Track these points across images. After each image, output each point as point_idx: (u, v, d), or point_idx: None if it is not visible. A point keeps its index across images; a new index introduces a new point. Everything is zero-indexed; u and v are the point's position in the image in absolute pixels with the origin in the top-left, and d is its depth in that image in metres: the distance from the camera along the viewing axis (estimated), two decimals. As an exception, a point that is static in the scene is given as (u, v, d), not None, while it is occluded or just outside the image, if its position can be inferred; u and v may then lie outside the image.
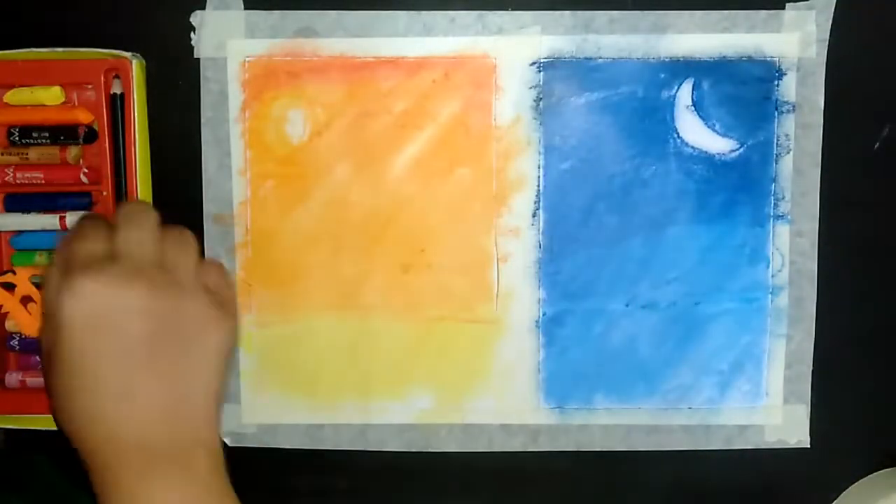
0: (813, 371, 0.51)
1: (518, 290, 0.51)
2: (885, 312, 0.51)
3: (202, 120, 0.50)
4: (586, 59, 0.49)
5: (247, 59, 0.49)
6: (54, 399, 0.39)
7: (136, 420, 0.37)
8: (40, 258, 0.50)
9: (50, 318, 0.38)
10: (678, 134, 0.50)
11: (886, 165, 0.50)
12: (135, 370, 0.38)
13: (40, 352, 0.40)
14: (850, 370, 0.51)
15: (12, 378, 0.51)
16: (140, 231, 0.40)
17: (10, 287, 0.50)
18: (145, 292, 0.38)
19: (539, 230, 0.50)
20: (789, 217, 0.50)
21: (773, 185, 0.50)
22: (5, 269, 0.51)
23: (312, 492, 0.53)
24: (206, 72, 0.49)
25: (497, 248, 0.51)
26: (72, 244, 0.39)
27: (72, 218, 0.46)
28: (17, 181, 0.50)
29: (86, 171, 0.50)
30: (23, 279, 0.50)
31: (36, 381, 0.51)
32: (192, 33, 0.49)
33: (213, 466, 0.39)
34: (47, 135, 0.50)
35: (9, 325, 0.51)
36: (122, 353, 0.37)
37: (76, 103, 0.50)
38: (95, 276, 0.37)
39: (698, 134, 0.50)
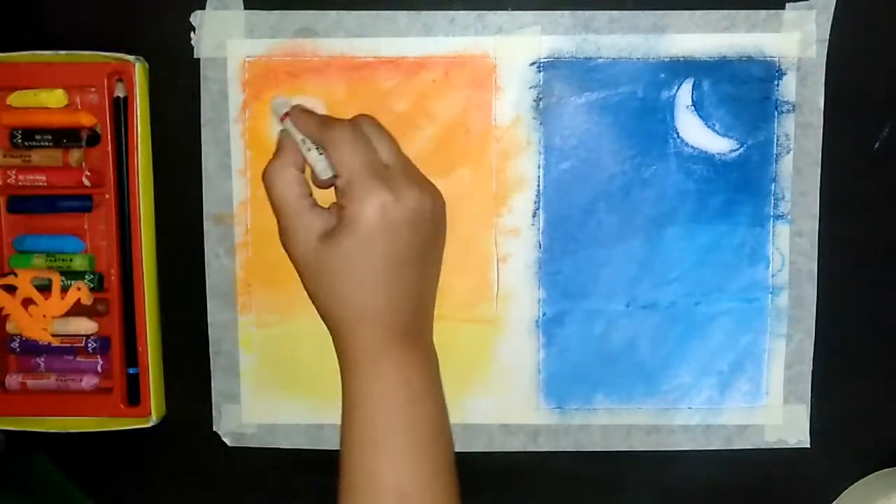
0: (813, 371, 0.51)
1: (518, 290, 0.51)
2: (885, 312, 0.51)
3: (202, 120, 0.50)
4: (586, 59, 0.49)
5: (247, 59, 0.49)
6: (324, 287, 0.44)
7: (397, 307, 0.44)
8: (38, 260, 0.50)
9: (350, 221, 0.43)
10: (678, 134, 0.50)
11: (886, 165, 0.50)
12: (409, 267, 0.44)
13: (294, 253, 0.45)
14: (849, 370, 0.51)
15: (13, 380, 0.51)
16: (389, 142, 0.46)
17: (11, 289, 0.50)
18: (419, 199, 0.44)
19: (539, 230, 0.51)
20: (789, 217, 0.50)
21: (773, 185, 0.50)
22: (6, 271, 0.51)
23: (312, 492, 0.53)
24: (206, 72, 0.50)
25: (497, 247, 0.51)
26: (353, 153, 0.43)
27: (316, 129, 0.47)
28: (20, 183, 0.50)
29: (88, 174, 0.50)
30: (24, 282, 0.50)
31: (36, 382, 0.51)
32: (192, 33, 0.49)
33: (432, 341, 0.47)
34: (50, 137, 0.50)
35: (9, 327, 0.51)
36: (406, 254, 0.44)
37: (79, 106, 0.50)
38: (390, 187, 0.43)
39: (698, 134, 0.50)
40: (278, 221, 0.45)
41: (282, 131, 0.47)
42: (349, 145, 0.44)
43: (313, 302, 0.46)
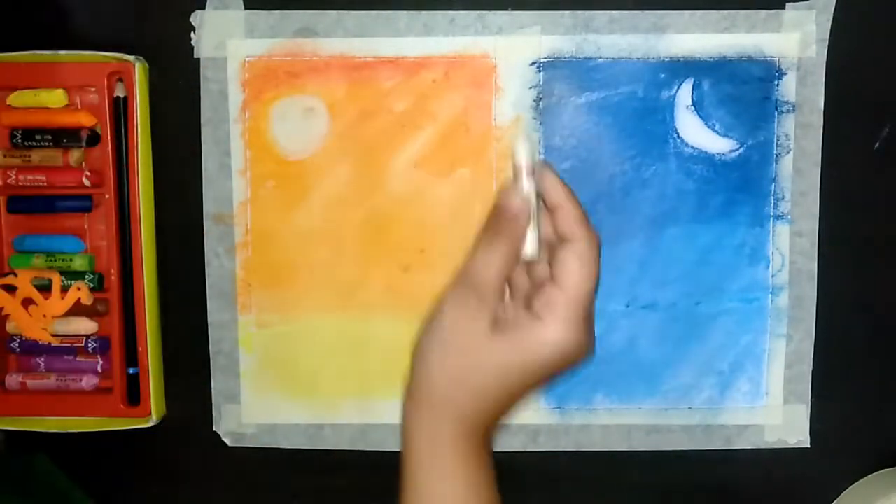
0: (813, 371, 0.51)
1: (518, 291, 0.51)
2: (885, 312, 0.51)
3: (202, 120, 0.50)
4: (586, 59, 0.49)
5: (247, 59, 0.49)
6: (446, 364, 0.39)
7: (493, 420, 0.40)
8: (38, 260, 0.50)
9: (533, 334, 0.38)
10: (678, 134, 0.50)
11: (886, 165, 0.50)
12: (527, 393, 0.39)
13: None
14: (849, 370, 0.51)
15: (13, 380, 0.51)
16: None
17: (11, 289, 0.50)
18: (587, 351, 0.38)
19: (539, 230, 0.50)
20: (789, 217, 0.50)
21: (773, 185, 0.50)
22: (6, 271, 0.51)
23: (312, 492, 0.53)
24: (206, 72, 0.50)
25: (497, 248, 0.51)
26: (589, 277, 0.39)
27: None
28: (20, 183, 0.50)
29: (88, 173, 0.50)
30: (24, 281, 0.50)
31: (36, 382, 0.51)
32: (192, 33, 0.49)
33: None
34: (50, 137, 0.50)
35: (9, 327, 0.51)
36: (537, 386, 0.39)
37: (79, 106, 0.50)
38: (588, 331, 0.38)
39: (698, 134, 0.50)
40: (463, 280, 0.40)
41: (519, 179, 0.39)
42: (590, 266, 0.39)
43: (416, 360, 0.40)
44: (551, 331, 0.38)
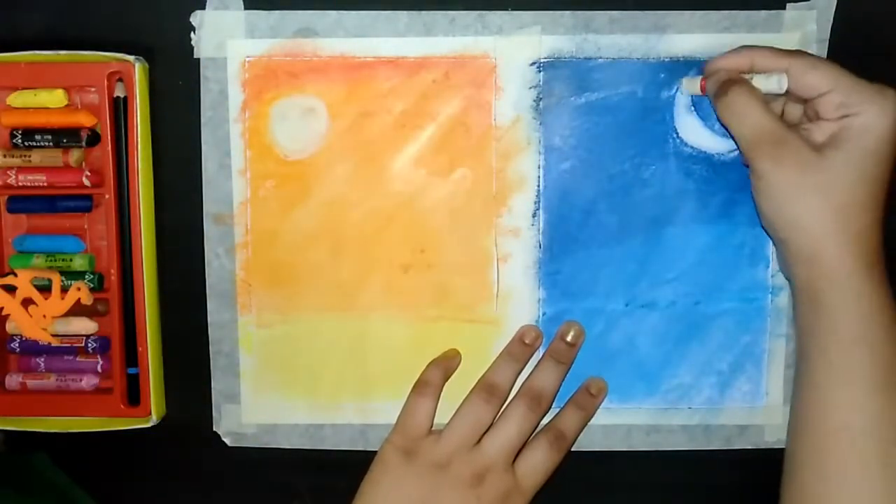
0: (813, 371, 0.51)
1: (518, 290, 0.51)
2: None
3: (202, 120, 0.50)
4: (586, 58, 0.49)
5: (247, 59, 0.49)
6: (799, 202, 0.42)
7: (872, 235, 0.42)
8: (38, 260, 0.50)
9: (859, 130, 0.42)
10: (678, 134, 0.50)
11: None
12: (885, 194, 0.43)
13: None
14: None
15: (12, 380, 0.51)
16: None
17: (11, 289, 0.50)
18: None
19: (539, 230, 0.51)
20: (789, 217, 0.50)
21: (773, 184, 0.50)
22: (6, 271, 0.51)
23: (312, 492, 0.53)
24: (206, 72, 0.50)
25: (497, 248, 0.51)
26: (835, 65, 0.43)
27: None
28: (20, 183, 0.50)
29: (88, 174, 0.50)
30: (24, 281, 0.50)
31: (36, 382, 0.51)
32: (192, 33, 0.49)
33: None
34: (50, 137, 0.50)
35: (9, 327, 0.51)
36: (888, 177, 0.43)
37: (79, 106, 0.50)
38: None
39: (698, 134, 0.50)
40: (756, 149, 0.43)
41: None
42: (826, 61, 0.43)
43: (769, 220, 0.44)
44: (865, 116, 0.42)
